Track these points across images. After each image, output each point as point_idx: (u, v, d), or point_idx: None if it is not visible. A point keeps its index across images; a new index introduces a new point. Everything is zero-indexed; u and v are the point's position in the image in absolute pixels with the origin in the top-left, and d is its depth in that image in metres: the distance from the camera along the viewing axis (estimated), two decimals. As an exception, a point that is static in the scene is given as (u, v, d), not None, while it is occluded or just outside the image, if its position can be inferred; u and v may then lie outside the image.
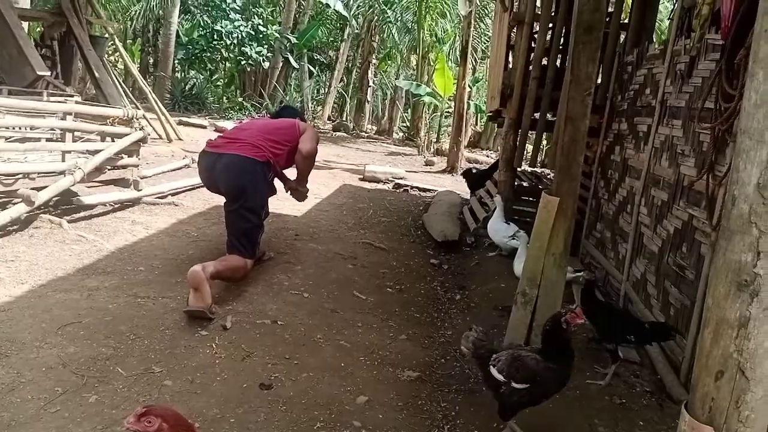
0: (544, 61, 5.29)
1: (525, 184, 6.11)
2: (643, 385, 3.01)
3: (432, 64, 16.41)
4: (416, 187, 8.40)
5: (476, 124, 18.26)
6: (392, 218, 6.43)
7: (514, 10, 5.33)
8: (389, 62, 20.75)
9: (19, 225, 4.48)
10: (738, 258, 1.24)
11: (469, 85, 12.92)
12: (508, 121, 5.36)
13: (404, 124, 20.28)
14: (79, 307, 3.24)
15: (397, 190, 8.34)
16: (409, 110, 21.19)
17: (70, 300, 3.34)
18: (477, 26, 14.15)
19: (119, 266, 4.03)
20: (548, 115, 5.27)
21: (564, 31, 5.23)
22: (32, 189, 4.50)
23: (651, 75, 4.14)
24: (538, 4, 5.38)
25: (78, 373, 2.61)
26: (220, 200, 6.30)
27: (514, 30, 5.65)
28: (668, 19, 4.01)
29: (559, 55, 5.29)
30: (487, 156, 15.01)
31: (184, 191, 6.51)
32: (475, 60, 16.42)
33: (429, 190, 8.34)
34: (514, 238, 4.81)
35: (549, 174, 7.17)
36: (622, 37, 5.41)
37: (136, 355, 2.83)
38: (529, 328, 2.89)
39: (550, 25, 5.32)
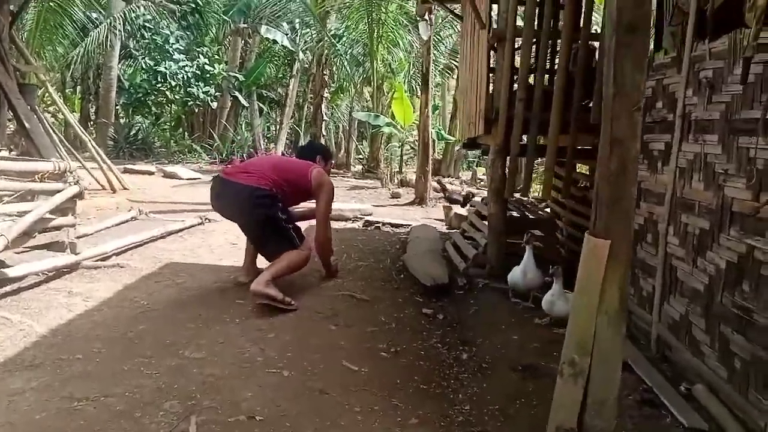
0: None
1: (515, 214, 5.57)
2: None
3: (386, 94, 16.01)
4: (388, 223, 7.78)
5: (434, 151, 17.90)
6: (369, 261, 5.78)
7: (493, 27, 4.85)
8: (341, 95, 20.31)
9: (-75, 310, 3.67)
10: None
11: (428, 113, 12.48)
12: (494, 148, 4.82)
13: (359, 156, 19.78)
14: (-7, 424, 2.48)
15: (368, 228, 7.70)
16: (364, 142, 20.74)
17: (-17, 413, 2.58)
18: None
19: (51, 355, 3.25)
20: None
21: (549, 47, 4.77)
22: (-60, 265, 3.70)
23: (662, 87, 3.67)
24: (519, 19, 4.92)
25: None
26: (173, 258, 5.59)
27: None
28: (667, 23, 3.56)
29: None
30: (451, 183, 14.57)
31: (130, 249, 5.74)
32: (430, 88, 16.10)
33: (402, 226, 7.74)
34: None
35: (539, 204, 6.68)
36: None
37: (69, 493, 2.09)
38: (582, 407, 2.28)
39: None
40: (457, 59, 15.90)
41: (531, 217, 5.57)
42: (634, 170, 2.18)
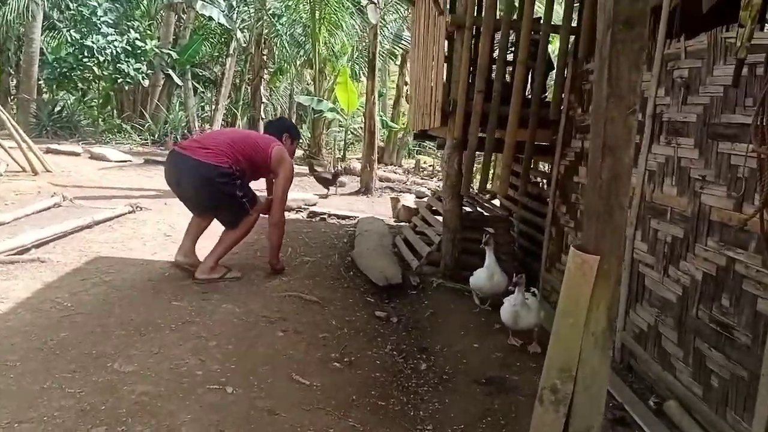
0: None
1: (467, 209, 5.39)
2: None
3: (328, 77, 15.61)
4: (334, 215, 7.49)
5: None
6: (316, 257, 5.48)
7: (453, 13, 4.59)
8: (280, 77, 19.69)
9: None
10: None
11: (373, 100, 12.20)
12: (451, 141, 4.60)
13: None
14: None
15: (313, 220, 7.39)
16: (303, 126, 20.24)
17: None
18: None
19: (-44, 371, 2.83)
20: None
21: (510, 37, 4.58)
22: None
23: (631, 84, 3.52)
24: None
25: None
26: (101, 251, 5.12)
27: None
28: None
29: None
30: (394, 172, 14.38)
31: (53, 240, 5.22)
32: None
33: (348, 217, 7.46)
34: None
35: (492, 199, 6.51)
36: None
37: None
38: (563, 437, 2.09)
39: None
40: (401, 45, 15.67)
41: (486, 214, 5.40)
42: (628, 180, 1.99)
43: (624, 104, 1.96)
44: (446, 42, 4.73)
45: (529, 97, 4.75)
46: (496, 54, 4.87)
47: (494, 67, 4.69)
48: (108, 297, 3.97)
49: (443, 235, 4.80)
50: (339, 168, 10.73)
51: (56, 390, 2.71)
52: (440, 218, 5.13)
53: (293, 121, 18.21)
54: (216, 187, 4.28)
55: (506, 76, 5.17)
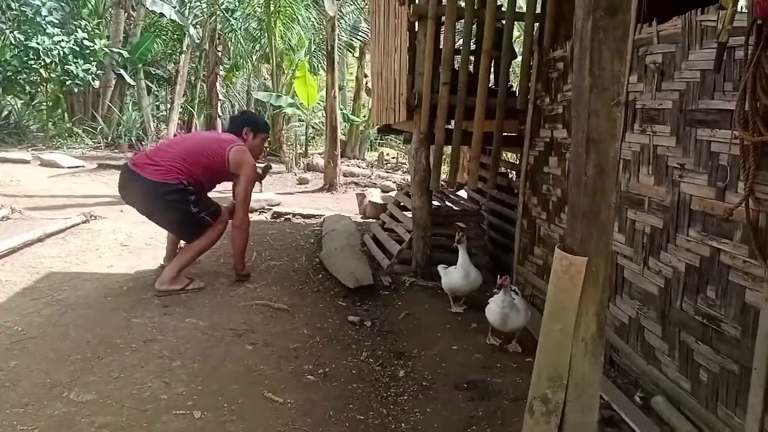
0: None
1: (436, 203, 5.26)
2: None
3: (285, 72, 15.30)
4: (299, 214, 7.28)
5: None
6: (282, 260, 5.28)
7: (414, 3, 4.42)
8: (237, 73, 19.24)
9: None
10: None
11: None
12: (417, 136, 4.45)
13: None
14: None
15: (277, 220, 7.16)
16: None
17: None
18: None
19: None
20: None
21: (474, 27, 4.46)
22: None
23: (600, 71, 3.42)
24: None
25: None
26: (53, 266, 4.84)
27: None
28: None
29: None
30: (358, 166, 14.20)
31: (1, 257, 4.91)
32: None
33: (314, 216, 7.26)
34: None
35: (458, 190, 6.37)
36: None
37: None
38: (555, 449, 1.98)
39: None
40: (359, 36, 15.45)
41: (456, 208, 5.28)
42: (614, 175, 1.88)
43: (607, 95, 1.85)
44: (408, 33, 4.57)
45: (494, 87, 4.65)
46: (458, 44, 4.75)
47: (457, 57, 4.58)
48: (62, 318, 3.72)
49: (414, 232, 4.67)
50: (269, 163, 10.40)
51: (6, 428, 2.49)
52: (409, 214, 4.99)
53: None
54: (166, 205, 4.12)
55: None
